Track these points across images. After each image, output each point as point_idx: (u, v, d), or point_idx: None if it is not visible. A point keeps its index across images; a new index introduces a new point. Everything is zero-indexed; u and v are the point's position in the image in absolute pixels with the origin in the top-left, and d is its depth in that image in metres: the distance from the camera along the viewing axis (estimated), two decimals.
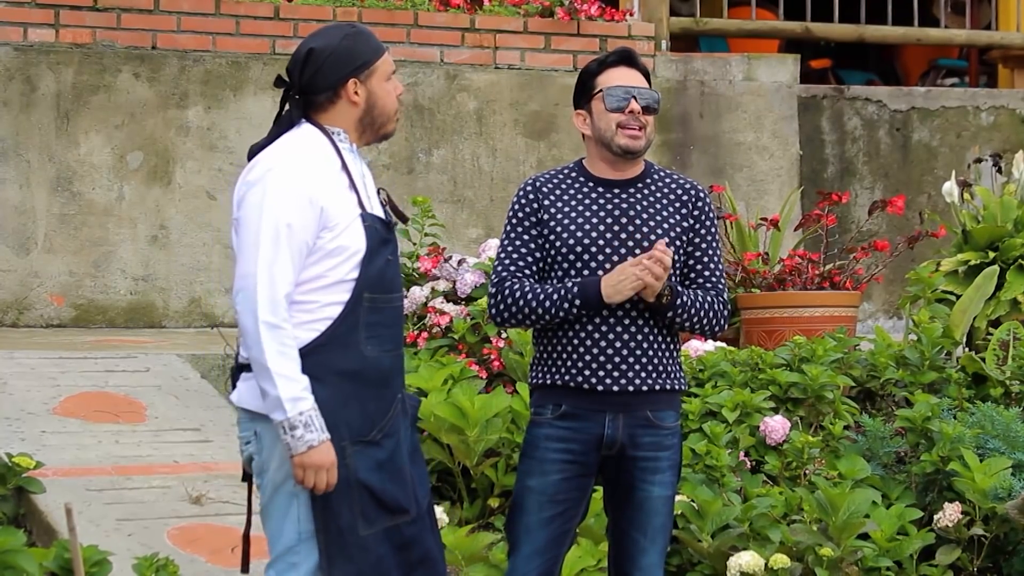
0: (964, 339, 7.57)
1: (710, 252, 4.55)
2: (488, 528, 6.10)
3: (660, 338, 4.46)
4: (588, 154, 4.58)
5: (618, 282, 4.35)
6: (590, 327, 4.40)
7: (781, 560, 5.57)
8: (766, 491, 6.02)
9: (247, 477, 4.19)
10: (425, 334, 6.98)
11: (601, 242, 4.44)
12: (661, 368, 4.46)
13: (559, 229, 4.45)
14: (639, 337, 4.42)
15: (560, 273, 4.46)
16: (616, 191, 4.50)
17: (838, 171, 10.56)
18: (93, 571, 4.72)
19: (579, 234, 4.44)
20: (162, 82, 8.97)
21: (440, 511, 5.80)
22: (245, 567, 4.26)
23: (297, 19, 9.20)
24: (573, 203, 4.50)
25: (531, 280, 4.46)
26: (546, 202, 4.50)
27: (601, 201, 4.49)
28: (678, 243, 4.48)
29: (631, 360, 4.41)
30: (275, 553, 4.09)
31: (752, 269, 7.98)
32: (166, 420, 6.43)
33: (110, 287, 8.82)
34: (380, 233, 4.14)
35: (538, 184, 4.53)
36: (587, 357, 4.41)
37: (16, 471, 5.51)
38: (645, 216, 4.47)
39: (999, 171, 8.86)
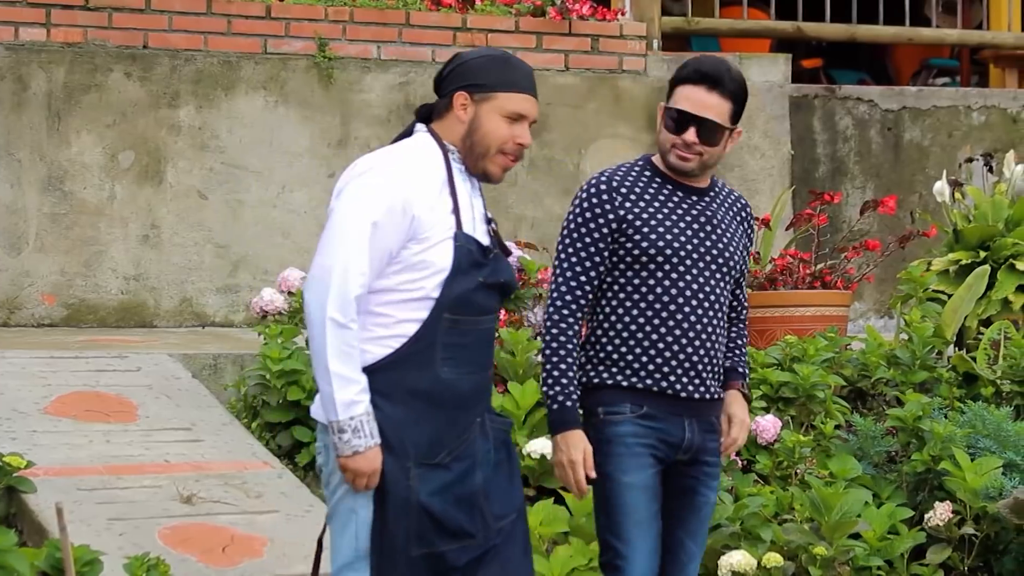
0: (955, 338, 7.57)
1: (746, 269, 4.59)
2: None
3: (723, 346, 4.51)
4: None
5: (564, 461, 4.29)
6: (677, 332, 4.35)
7: (774, 559, 5.57)
8: (757, 490, 6.02)
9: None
10: None
11: (689, 247, 4.35)
12: (721, 376, 4.52)
13: (646, 230, 4.33)
14: (711, 347, 4.42)
15: (644, 275, 4.34)
16: (695, 198, 4.42)
17: (829, 171, 10.56)
18: (84, 571, 4.71)
19: (668, 237, 4.34)
20: (153, 81, 8.96)
21: None
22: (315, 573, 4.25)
23: (289, 18, 9.19)
24: (656, 204, 4.38)
25: (579, 325, 4.35)
26: (627, 202, 4.36)
27: (685, 205, 4.40)
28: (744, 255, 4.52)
29: (709, 369, 4.42)
30: (334, 568, 4.07)
31: None
32: (157, 419, 6.41)
33: (101, 286, 8.80)
34: (473, 255, 4.04)
35: (613, 183, 4.38)
36: (673, 363, 4.36)
37: (7, 470, 5.49)
38: (724, 226, 4.44)
39: (990, 170, 8.87)
